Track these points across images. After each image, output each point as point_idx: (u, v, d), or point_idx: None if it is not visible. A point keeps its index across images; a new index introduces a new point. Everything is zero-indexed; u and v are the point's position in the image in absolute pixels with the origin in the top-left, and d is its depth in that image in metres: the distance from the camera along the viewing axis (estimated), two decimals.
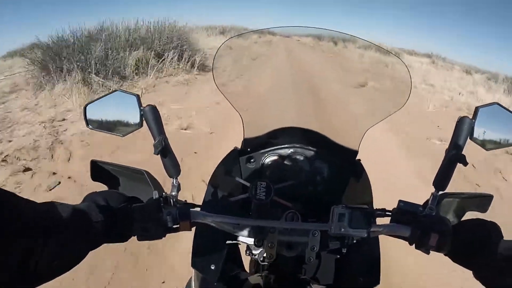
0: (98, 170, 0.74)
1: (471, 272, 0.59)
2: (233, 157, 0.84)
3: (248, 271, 0.84)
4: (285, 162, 0.84)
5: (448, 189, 0.65)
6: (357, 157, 0.84)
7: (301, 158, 0.84)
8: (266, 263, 0.72)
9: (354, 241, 0.62)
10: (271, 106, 0.92)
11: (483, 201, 0.73)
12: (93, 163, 0.73)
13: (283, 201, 0.71)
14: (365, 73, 0.95)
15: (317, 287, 0.74)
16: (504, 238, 0.57)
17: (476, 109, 0.64)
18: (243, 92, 0.89)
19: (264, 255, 0.67)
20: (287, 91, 0.91)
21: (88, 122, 0.70)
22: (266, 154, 0.85)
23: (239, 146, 0.85)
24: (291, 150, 0.84)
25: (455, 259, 0.61)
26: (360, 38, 0.84)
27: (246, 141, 0.84)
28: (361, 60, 0.95)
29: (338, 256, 0.74)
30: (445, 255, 0.61)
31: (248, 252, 0.75)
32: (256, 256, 0.70)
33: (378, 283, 0.71)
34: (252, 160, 0.85)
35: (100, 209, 0.56)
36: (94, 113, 0.71)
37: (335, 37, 0.97)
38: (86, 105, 0.70)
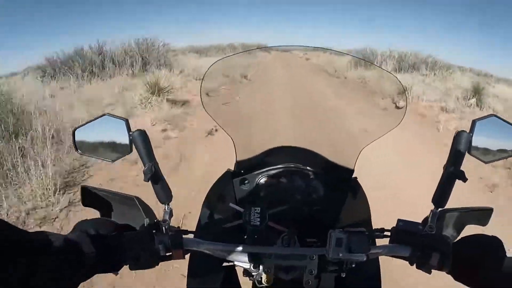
0: (89, 196, 0.72)
1: None
2: (226, 179, 0.82)
3: None
4: (280, 182, 0.83)
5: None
6: (354, 175, 0.82)
7: (296, 177, 0.82)
8: (264, 286, 0.70)
9: (353, 266, 0.61)
10: (262, 126, 0.90)
11: (482, 214, 0.71)
12: (84, 189, 0.71)
13: (278, 226, 0.69)
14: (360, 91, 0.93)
15: None
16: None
17: (473, 122, 0.62)
18: (233, 114, 0.87)
19: (262, 277, 0.65)
20: (279, 110, 0.90)
21: (77, 146, 0.69)
22: (260, 175, 0.82)
23: (232, 168, 0.83)
24: (286, 170, 0.82)
25: (457, 278, 0.60)
26: (359, 57, 0.82)
27: (239, 163, 0.82)
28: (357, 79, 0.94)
29: (338, 279, 0.72)
30: (447, 273, 0.60)
31: (245, 274, 0.73)
32: (254, 278, 0.68)
33: None
34: (246, 182, 0.83)
35: (91, 239, 0.54)
36: (83, 137, 0.69)
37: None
38: (75, 129, 0.69)
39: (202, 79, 0.76)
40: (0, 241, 0.42)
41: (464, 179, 0.60)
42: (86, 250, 0.53)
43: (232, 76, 0.88)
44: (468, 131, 0.62)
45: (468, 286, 0.58)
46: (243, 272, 0.73)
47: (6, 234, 0.43)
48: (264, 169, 0.81)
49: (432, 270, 0.60)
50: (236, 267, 0.77)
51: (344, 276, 0.65)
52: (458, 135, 0.61)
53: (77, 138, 0.69)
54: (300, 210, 0.80)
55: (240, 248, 0.61)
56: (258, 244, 0.61)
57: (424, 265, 0.59)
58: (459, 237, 0.68)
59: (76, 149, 0.69)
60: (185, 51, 17.07)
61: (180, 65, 10.29)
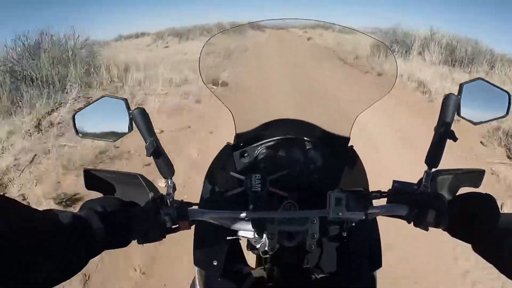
0: (92, 179, 0.73)
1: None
2: (227, 152, 0.84)
3: (250, 266, 0.84)
4: (279, 153, 0.85)
5: None
6: (350, 144, 0.84)
7: (295, 148, 0.85)
8: (268, 256, 0.72)
9: (353, 224, 0.63)
10: (261, 100, 0.92)
11: (475, 176, 0.74)
12: (86, 172, 0.73)
13: (279, 191, 0.71)
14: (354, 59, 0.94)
15: (320, 275, 0.74)
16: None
17: (461, 85, 0.65)
18: (232, 87, 0.89)
19: (266, 248, 0.68)
20: (276, 84, 0.91)
21: (77, 130, 0.70)
22: (259, 148, 0.85)
23: (231, 142, 0.85)
24: (284, 141, 0.84)
25: (453, 234, 0.62)
26: (353, 28, 0.83)
27: (238, 136, 0.84)
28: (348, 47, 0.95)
29: (339, 244, 0.75)
30: (444, 230, 0.62)
31: (249, 247, 0.75)
32: (258, 250, 0.70)
33: (381, 266, 0.72)
34: (246, 155, 0.85)
35: (99, 216, 0.56)
36: (83, 121, 0.70)
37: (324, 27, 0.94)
38: (75, 113, 0.70)
39: (201, 52, 0.78)
40: (9, 219, 0.43)
41: (455, 139, 0.63)
42: (95, 226, 0.54)
43: (231, 49, 0.89)
44: (456, 94, 0.65)
45: (464, 241, 0.60)
46: (247, 245, 0.75)
47: (15, 212, 0.45)
48: (263, 141, 0.84)
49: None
50: (240, 241, 0.79)
51: (345, 239, 0.67)
52: (447, 98, 0.64)
53: (77, 122, 0.70)
54: (299, 179, 0.83)
55: (243, 215, 0.62)
56: (261, 210, 0.63)
57: (421, 223, 0.61)
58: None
59: (77, 133, 0.70)
60: (164, 34, 14.41)
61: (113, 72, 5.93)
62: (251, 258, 0.87)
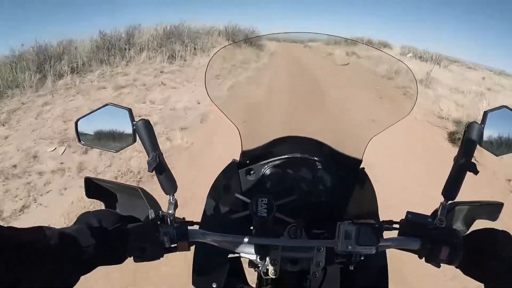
0: (93, 187, 0.71)
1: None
2: (232, 169, 0.81)
3: (251, 284, 0.81)
4: (286, 173, 0.81)
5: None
6: (361, 166, 0.81)
7: (303, 168, 0.81)
8: (270, 277, 0.70)
9: (362, 258, 0.60)
10: (269, 115, 0.88)
11: (492, 209, 0.71)
12: (88, 180, 0.71)
13: (285, 217, 0.68)
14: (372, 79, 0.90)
15: None
16: None
17: (485, 113, 0.61)
18: (239, 103, 0.85)
19: (268, 268, 0.65)
20: (286, 99, 0.88)
21: (79, 137, 0.68)
22: (266, 166, 0.81)
23: (237, 159, 0.82)
24: (292, 160, 0.81)
25: (466, 272, 0.59)
26: (367, 44, 0.79)
27: (244, 153, 0.81)
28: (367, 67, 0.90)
29: (344, 271, 0.72)
30: (456, 267, 0.59)
31: (251, 265, 0.72)
32: (260, 269, 0.67)
33: None
34: (251, 172, 0.82)
35: (92, 231, 0.54)
36: (86, 128, 0.68)
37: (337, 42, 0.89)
38: (78, 120, 0.67)
39: (207, 66, 0.75)
40: None
41: (475, 172, 0.59)
42: (84, 243, 0.52)
43: (237, 63, 0.85)
44: (480, 122, 0.61)
45: (477, 280, 0.57)
46: (249, 263, 0.72)
47: None
48: (270, 160, 0.80)
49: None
50: (241, 258, 0.76)
51: (351, 268, 0.64)
52: (469, 127, 0.60)
53: (79, 129, 0.68)
54: (307, 200, 0.79)
55: (246, 240, 0.60)
56: (265, 235, 0.60)
57: (434, 259, 0.58)
58: (468, 231, 0.67)
59: (79, 140, 0.68)
60: None
61: None
62: (252, 274, 0.84)
